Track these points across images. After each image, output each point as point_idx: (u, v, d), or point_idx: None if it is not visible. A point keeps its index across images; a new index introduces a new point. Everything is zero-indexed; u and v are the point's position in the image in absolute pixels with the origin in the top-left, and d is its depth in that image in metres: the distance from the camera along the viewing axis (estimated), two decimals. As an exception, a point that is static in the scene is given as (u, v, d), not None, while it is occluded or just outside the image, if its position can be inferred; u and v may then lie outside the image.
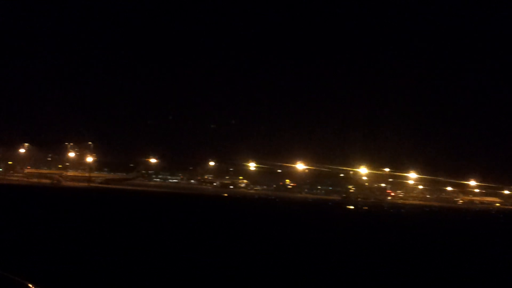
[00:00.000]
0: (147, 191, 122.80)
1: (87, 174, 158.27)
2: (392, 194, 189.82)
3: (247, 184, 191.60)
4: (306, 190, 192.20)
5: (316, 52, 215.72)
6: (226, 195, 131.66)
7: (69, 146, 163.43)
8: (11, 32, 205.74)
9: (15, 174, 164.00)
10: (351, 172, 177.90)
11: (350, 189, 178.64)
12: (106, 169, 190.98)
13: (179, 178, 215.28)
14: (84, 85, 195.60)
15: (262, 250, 30.74)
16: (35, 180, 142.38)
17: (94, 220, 43.91)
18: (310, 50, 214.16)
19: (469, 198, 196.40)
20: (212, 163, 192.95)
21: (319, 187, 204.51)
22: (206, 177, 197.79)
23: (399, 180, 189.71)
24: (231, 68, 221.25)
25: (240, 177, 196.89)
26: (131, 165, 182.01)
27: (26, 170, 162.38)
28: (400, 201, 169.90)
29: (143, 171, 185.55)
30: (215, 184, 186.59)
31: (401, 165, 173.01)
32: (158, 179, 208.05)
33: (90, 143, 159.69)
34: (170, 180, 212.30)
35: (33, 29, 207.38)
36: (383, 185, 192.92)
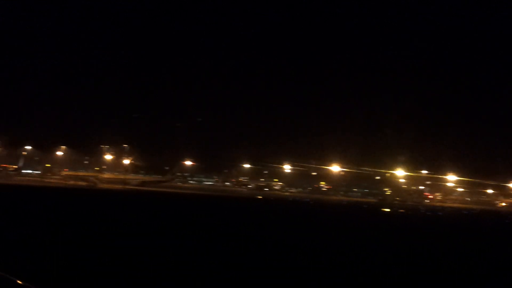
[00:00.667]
0: (181, 193, 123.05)
1: (122, 176, 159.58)
2: (430, 196, 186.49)
3: (282, 187, 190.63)
4: (341, 192, 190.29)
5: (349, 51, 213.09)
6: (260, 197, 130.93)
7: (105, 148, 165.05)
8: (43, 33, 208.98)
9: (53, 176, 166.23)
10: (387, 174, 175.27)
11: (386, 191, 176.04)
12: (142, 172, 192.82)
13: (214, 180, 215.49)
14: (119, 87, 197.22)
15: (295, 254, 30.18)
16: (72, 182, 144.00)
17: (128, 221, 43.71)
18: (344, 48, 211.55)
19: (510, 200, 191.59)
20: (247, 165, 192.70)
21: (355, 189, 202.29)
22: (241, 179, 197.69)
23: (437, 183, 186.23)
24: (261, 68, 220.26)
25: (275, 180, 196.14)
26: (167, 167, 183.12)
27: (63, 173, 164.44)
28: (438, 204, 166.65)
29: (178, 173, 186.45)
30: (250, 186, 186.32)
31: (439, 167, 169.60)
32: (193, 182, 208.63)
33: (125, 145, 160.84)
34: (205, 182, 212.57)
35: (65, 30, 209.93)
36: (421, 187, 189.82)
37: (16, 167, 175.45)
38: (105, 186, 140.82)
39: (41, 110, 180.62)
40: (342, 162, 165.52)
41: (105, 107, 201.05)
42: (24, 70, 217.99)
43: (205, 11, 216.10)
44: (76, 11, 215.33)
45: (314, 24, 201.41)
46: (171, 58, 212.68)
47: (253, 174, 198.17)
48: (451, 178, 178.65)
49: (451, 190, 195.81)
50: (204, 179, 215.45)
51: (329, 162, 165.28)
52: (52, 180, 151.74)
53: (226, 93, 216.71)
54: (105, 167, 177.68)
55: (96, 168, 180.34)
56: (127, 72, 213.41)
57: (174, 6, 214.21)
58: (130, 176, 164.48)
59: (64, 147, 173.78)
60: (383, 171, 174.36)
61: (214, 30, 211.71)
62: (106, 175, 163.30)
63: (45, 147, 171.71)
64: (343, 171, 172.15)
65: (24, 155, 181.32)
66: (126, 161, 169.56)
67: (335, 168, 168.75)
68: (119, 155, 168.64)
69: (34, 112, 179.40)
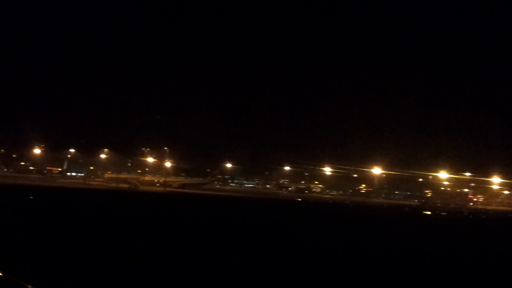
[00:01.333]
0: (220, 195, 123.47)
1: (163, 179, 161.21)
2: (474, 199, 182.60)
3: (322, 189, 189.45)
4: (383, 195, 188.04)
5: (384, 52, 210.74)
6: (299, 199, 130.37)
7: (146, 151, 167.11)
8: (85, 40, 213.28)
9: (96, 179, 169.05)
10: (430, 177, 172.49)
11: (427, 194, 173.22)
12: (184, 174, 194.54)
13: (254, 183, 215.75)
14: (160, 91, 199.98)
15: (333, 256, 30.06)
16: (114, 184, 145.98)
17: (166, 223, 44.13)
18: (377, 50, 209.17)
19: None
20: (287, 168, 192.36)
21: (396, 192, 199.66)
22: (281, 181, 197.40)
23: (482, 185, 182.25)
24: (300, 70, 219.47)
25: (316, 182, 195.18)
26: (208, 170, 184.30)
27: (106, 175, 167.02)
28: (481, 207, 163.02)
29: (219, 176, 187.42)
30: (290, 189, 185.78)
31: (484, 170, 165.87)
32: (234, 184, 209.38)
33: (166, 148, 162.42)
34: (246, 185, 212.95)
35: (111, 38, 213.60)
36: (465, 190, 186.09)
37: (60, 169, 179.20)
38: (146, 188, 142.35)
39: (85, 114, 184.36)
40: (384, 164, 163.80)
41: (148, 110, 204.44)
42: (70, 75, 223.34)
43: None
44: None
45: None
46: (217, 59, 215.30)
47: (293, 177, 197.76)
48: (496, 181, 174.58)
49: (497, 193, 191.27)
50: (245, 182, 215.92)
51: (371, 164, 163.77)
52: (94, 183, 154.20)
53: (268, 96, 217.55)
54: (147, 169, 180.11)
55: (138, 171, 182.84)
56: (171, 77, 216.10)
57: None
58: (171, 179, 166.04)
59: (107, 150, 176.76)
60: (425, 173, 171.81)
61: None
62: (148, 178, 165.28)
63: (89, 150, 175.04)
64: (384, 173, 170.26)
65: (69, 158, 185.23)
66: (168, 164, 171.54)
67: (376, 171, 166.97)
68: (161, 158, 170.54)
69: (78, 116, 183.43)
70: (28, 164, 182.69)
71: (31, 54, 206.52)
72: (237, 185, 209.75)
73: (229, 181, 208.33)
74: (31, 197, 71.43)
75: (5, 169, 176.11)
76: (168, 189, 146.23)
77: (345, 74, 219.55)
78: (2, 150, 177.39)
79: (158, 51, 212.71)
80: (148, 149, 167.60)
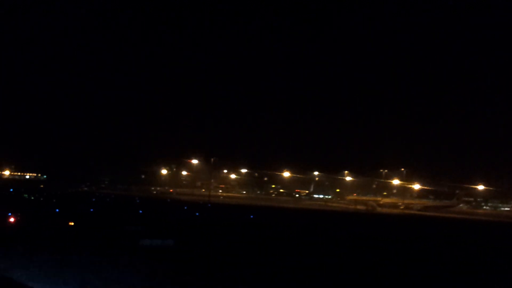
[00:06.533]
0: (465, 219, 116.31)
1: (405, 201, 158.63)
2: None
3: None
4: None
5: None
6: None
7: (383, 172, 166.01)
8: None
9: (340, 201, 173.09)
10: None
11: None
12: (431, 197, 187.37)
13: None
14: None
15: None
16: (352, 206, 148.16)
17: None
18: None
19: None
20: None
21: None
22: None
23: None
24: None
25: None
26: (457, 191, 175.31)
27: (349, 197, 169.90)
28: None
29: (467, 199, 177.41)
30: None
31: None
32: (487, 207, 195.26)
33: (402, 169, 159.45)
34: (502, 209, 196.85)
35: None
36: None
37: (307, 192, 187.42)
38: (384, 210, 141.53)
39: (327, 139, 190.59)
40: None
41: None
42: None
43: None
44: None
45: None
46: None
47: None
48: None
49: None
50: (499, 205, 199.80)
51: None
52: (335, 204, 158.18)
53: None
54: (394, 191, 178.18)
55: (384, 193, 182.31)
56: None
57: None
58: (413, 201, 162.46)
59: (347, 172, 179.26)
60: None
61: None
62: (388, 200, 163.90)
63: (332, 172, 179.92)
64: None
65: (316, 180, 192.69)
66: (416, 186, 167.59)
67: None
68: (407, 179, 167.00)
69: (323, 140, 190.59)
70: (278, 186, 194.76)
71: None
72: (491, 208, 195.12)
73: (482, 204, 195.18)
74: (251, 216, 77.32)
75: (258, 192, 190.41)
76: (407, 211, 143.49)
77: None
78: (256, 174, 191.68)
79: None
80: (386, 170, 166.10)
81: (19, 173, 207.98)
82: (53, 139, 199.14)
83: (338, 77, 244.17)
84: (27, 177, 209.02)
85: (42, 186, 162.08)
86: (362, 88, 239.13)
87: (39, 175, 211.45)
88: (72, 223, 46.09)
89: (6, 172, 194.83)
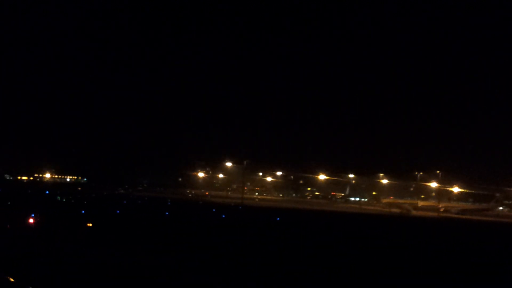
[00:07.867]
0: (500, 222, 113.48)
1: (443, 204, 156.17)
2: None
3: None
4: None
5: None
6: None
7: (419, 175, 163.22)
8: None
9: (376, 204, 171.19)
10: None
11: None
12: (471, 200, 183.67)
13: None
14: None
15: None
16: (387, 209, 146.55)
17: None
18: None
19: None
20: None
21: None
22: None
23: None
24: None
25: None
26: (497, 194, 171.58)
27: (384, 200, 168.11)
28: None
29: (509, 201, 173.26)
30: None
31: None
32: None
33: (438, 171, 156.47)
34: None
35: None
36: None
37: (343, 194, 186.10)
38: (419, 213, 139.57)
39: (364, 140, 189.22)
40: None
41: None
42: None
43: None
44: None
45: None
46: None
47: None
48: None
49: None
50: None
51: None
52: (370, 207, 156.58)
53: None
54: (433, 194, 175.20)
55: (422, 196, 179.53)
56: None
57: None
58: (451, 204, 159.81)
59: (382, 174, 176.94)
60: None
61: None
62: (425, 203, 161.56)
63: (367, 174, 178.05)
64: None
65: (353, 183, 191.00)
66: (455, 189, 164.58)
67: None
68: (445, 182, 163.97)
69: (360, 142, 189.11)
70: (313, 189, 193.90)
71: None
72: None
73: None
74: (277, 219, 77.57)
75: (294, 195, 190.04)
76: (443, 215, 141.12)
77: None
78: (292, 177, 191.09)
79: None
80: (421, 173, 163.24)
81: (60, 176, 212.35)
82: (95, 142, 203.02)
83: (370, 80, 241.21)
84: (68, 180, 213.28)
85: (79, 188, 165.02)
86: (399, 91, 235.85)
87: (80, 178, 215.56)
88: (90, 224, 46.99)
89: (47, 175, 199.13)
